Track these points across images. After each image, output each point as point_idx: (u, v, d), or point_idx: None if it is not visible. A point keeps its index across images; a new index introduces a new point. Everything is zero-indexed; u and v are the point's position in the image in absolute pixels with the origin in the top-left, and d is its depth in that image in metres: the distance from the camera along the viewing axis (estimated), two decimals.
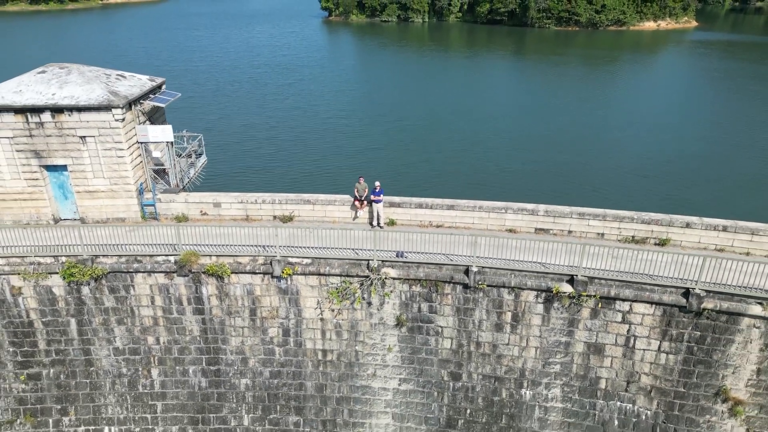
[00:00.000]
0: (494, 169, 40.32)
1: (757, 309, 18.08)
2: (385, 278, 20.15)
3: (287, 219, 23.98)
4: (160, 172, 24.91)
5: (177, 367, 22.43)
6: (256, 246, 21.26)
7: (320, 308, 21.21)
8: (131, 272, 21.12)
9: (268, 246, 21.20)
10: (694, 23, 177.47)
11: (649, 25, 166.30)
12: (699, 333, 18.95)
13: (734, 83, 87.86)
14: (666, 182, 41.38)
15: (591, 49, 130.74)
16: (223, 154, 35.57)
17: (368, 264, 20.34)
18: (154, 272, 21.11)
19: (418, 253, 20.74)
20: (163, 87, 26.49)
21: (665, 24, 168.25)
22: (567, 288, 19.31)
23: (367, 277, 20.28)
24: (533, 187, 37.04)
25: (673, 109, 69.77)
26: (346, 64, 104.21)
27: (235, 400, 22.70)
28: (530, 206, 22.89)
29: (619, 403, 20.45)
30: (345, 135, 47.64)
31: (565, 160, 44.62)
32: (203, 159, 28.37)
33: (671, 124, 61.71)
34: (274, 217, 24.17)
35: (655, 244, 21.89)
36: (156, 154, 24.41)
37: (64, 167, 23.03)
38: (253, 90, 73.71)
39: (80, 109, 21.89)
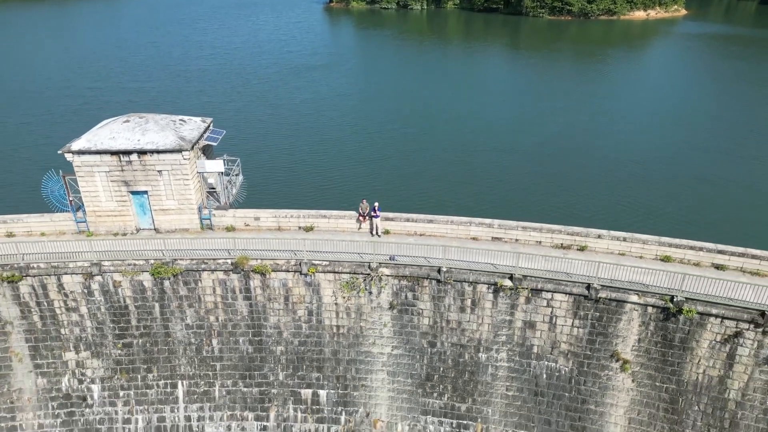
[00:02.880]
0: (479, 182, 47.97)
1: (634, 298, 26.47)
2: (381, 275, 28.51)
3: (309, 229, 32.26)
4: (213, 194, 33.08)
5: (231, 338, 30.92)
6: (288, 251, 29.56)
7: (335, 296, 29.59)
8: (199, 270, 29.47)
9: (296, 251, 29.49)
10: (684, 12, 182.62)
11: (639, 14, 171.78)
12: (598, 314, 27.36)
13: (719, 84, 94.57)
14: (635, 192, 48.62)
15: (581, 44, 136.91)
16: (251, 168, 42.77)
17: (369, 265, 28.65)
18: (216, 270, 29.45)
19: (406, 256, 29.06)
20: (211, 125, 34.47)
21: (654, 13, 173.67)
22: (508, 283, 27.66)
23: (368, 274, 28.61)
24: (508, 198, 45.05)
25: (654, 113, 76.93)
26: (350, 64, 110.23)
27: (272, 362, 31.25)
28: (488, 221, 31.15)
29: (546, 362, 28.99)
30: (351, 151, 54.66)
31: (543, 172, 52.18)
32: (241, 178, 36.51)
33: (651, 128, 69.03)
34: (299, 227, 32.46)
35: (578, 249, 30.18)
36: (210, 180, 32.54)
37: (145, 192, 31.21)
38: (265, 95, 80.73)
39: (159, 152, 29.96)
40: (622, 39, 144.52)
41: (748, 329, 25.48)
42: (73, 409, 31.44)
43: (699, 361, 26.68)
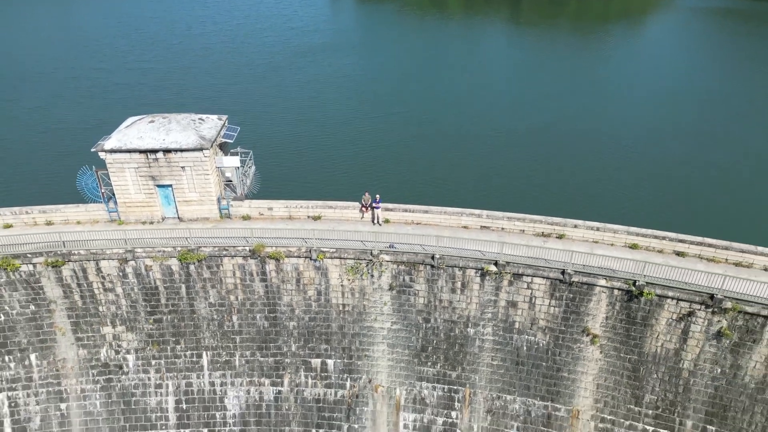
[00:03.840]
0: (473, 170, 50.95)
1: (603, 282, 30.34)
2: (382, 261, 32.34)
3: (317, 218, 35.97)
4: (230, 185, 36.64)
5: (249, 315, 35.00)
6: (299, 239, 33.33)
7: (341, 278, 33.49)
8: (221, 256, 33.31)
9: (307, 239, 33.24)
10: None
11: None
12: (572, 295, 31.28)
13: (718, 62, 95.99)
14: (622, 179, 51.52)
15: (580, 20, 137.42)
16: (261, 157, 45.63)
17: (371, 252, 32.45)
18: (235, 256, 33.29)
19: (403, 244, 32.83)
20: (226, 123, 37.76)
21: None
22: (493, 268, 31.48)
23: (370, 260, 32.44)
24: (499, 187, 48.38)
25: (650, 93, 78.78)
26: (352, 42, 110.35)
27: (286, 335, 35.40)
28: (477, 211, 34.81)
29: (526, 336, 33.08)
30: (354, 139, 56.97)
31: (535, 159, 54.91)
32: (253, 169, 40.02)
33: (646, 109, 71.22)
34: (308, 216, 36.17)
35: (556, 237, 33.92)
36: (228, 174, 36.08)
37: (169, 185, 34.79)
38: (270, 77, 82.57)
39: (182, 150, 33.41)
40: (622, 14, 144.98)
41: (699, 309, 29.41)
42: (110, 376, 35.79)
43: (657, 336, 30.73)
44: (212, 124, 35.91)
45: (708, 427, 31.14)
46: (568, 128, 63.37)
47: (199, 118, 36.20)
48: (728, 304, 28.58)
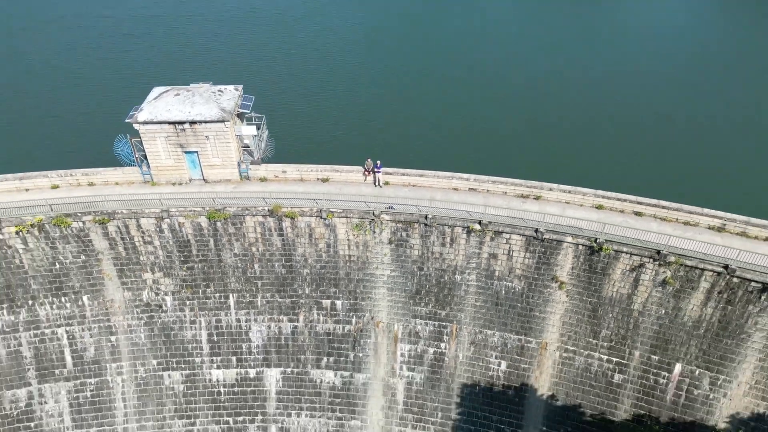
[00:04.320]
0: (465, 133, 54.30)
1: (570, 239, 35.83)
2: (382, 220, 37.69)
3: (325, 180, 40.96)
4: (248, 150, 41.30)
5: (268, 263, 40.79)
6: (311, 200, 38.48)
7: (347, 234, 38.96)
8: (244, 215, 38.60)
9: (318, 199, 38.41)
10: None
11: None
12: (543, 249, 36.86)
13: (714, 27, 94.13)
14: (603, 143, 54.57)
15: None
16: (274, 122, 48.68)
17: (373, 212, 37.71)
18: (256, 215, 38.58)
19: (401, 205, 38.02)
20: (242, 92, 41.79)
21: None
22: (477, 227, 36.87)
23: (372, 219, 37.77)
24: (487, 150, 52.37)
25: (649, 55, 77.53)
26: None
27: (300, 280, 41.35)
28: (465, 175, 39.73)
29: (504, 282, 39.01)
30: (357, 100, 58.98)
31: (523, 123, 57.28)
32: (267, 133, 44.46)
33: (642, 71, 71.56)
34: (318, 179, 41.13)
35: (534, 198, 39.06)
36: (246, 141, 40.65)
37: (195, 152, 39.49)
38: (276, 34, 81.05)
39: (206, 122, 37.86)
40: None
41: (648, 262, 35.09)
42: (152, 314, 42.15)
43: (613, 283, 36.63)
44: (230, 96, 40.06)
45: (652, 356, 37.73)
46: (555, 92, 64.91)
47: (219, 90, 40.29)
48: (672, 258, 34.24)
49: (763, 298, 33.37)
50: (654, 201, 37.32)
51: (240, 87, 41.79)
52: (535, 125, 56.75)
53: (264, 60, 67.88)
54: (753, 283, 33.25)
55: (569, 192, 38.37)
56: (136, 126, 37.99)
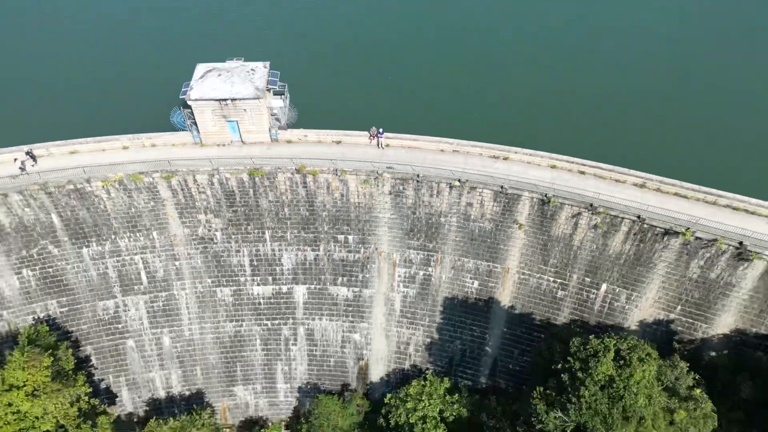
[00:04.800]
0: (454, 99, 61.72)
1: (527, 194, 47.11)
2: (385, 177, 48.76)
3: (338, 142, 51.43)
4: (276, 117, 51.34)
5: (295, 207, 52.35)
6: (329, 161, 49.24)
7: (357, 187, 50.12)
8: (275, 173, 49.56)
9: (334, 160, 49.18)
10: None
11: None
12: (507, 200, 48.21)
13: None
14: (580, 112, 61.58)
15: None
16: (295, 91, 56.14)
17: (377, 171, 48.65)
18: (285, 173, 49.52)
19: (398, 164, 48.82)
20: (269, 68, 50.93)
21: None
22: (457, 183, 47.97)
23: (377, 176, 48.81)
24: (471, 114, 61.07)
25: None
26: None
27: (320, 221, 53.11)
28: (450, 140, 50.13)
29: (477, 224, 50.73)
30: (363, 68, 64.82)
31: (508, 87, 64.00)
32: (288, 99, 54.06)
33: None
34: (332, 141, 51.57)
35: (503, 159, 49.74)
36: (275, 111, 50.59)
37: (235, 120, 49.64)
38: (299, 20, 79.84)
39: (244, 99, 47.69)
40: None
41: (585, 211, 46.56)
42: (206, 245, 54.42)
43: (559, 225, 48.36)
44: (261, 74, 49.45)
45: (585, 278, 50.40)
46: (528, 65, 69.27)
47: (252, 69, 49.61)
48: (601, 209, 45.71)
49: (665, 239, 45.29)
50: (593, 163, 48.10)
51: (267, 64, 50.95)
52: (509, 96, 63.95)
53: (285, 32, 71.61)
54: (658, 228, 45.03)
55: (529, 155, 49.01)
56: (189, 102, 47.88)
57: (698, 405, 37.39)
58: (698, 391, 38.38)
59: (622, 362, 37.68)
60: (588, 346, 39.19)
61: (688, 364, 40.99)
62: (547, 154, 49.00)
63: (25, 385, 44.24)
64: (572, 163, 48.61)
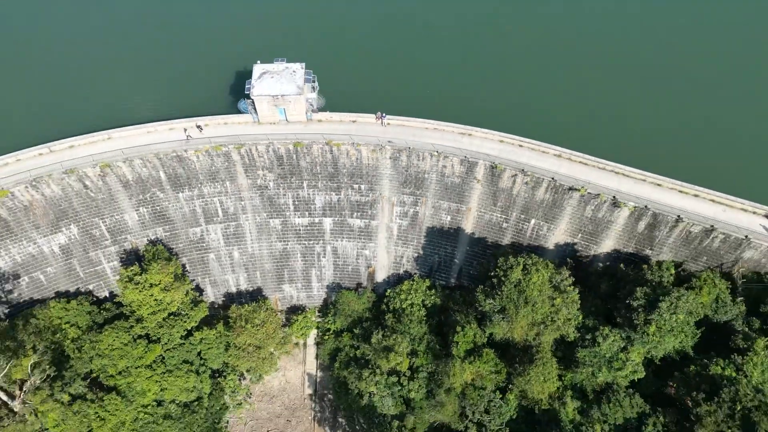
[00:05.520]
0: (446, 82, 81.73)
1: (481, 161, 70.37)
2: (386, 147, 71.73)
3: (354, 121, 73.78)
4: (311, 103, 73.21)
5: (324, 167, 75.59)
6: (348, 135, 71.93)
7: (367, 154, 73.15)
8: (312, 144, 72.40)
9: (351, 135, 71.88)
10: None
11: None
12: (469, 164, 71.50)
13: None
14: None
15: None
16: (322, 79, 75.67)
17: (381, 143, 71.52)
18: (318, 144, 72.40)
19: (396, 139, 71.59)
20: (305, 68, 71.94)
21: None
22: (436, 153, 70.97)
23: (381, 147, 71.75)
24: (455, 97, 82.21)
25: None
26: None
27: (341, 176, 76.54)
28: (431, 121, 72.43)
29: (450, 179, 74.35)
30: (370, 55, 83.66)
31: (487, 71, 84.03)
32: (317, 88, 75.35)
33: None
34: (350, 120, 73.86)
35: (468, 135, 72.29)
36: (310, 99, 72.37)
37: (283, 108, 71.71)
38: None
39: (289, 95, 69.52)
40: None
41: (519, 174, 70.04)
42: (262, 191, 78.44)
43: (504, 182, 72.02)
44: (300, 74, 70.68)
45: (521, 215, 74.94)
46: (512, 44, 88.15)
47: (293, 70, 70.76)
48: (529, 172, 69.21)
49: (570, 192, 69.17)
50: (527, 140, 70.78)
51: (303, 65, 71.85)
52: (477, 85, 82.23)
53: (315, 31, 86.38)
54: (565, 185, 68.81)
55: (484, 133, 71.57)
56: (253, 96, 69.62)
57: (569, 295, 63.54)
58: (571, 287, 64.39)
59: (526, 271, 63.31)
60: (508, 262, 64.70)
61: (571, 271, 66.68)
62: (498, 133, 71.52)
63: (159, 284, 70.43)
64: (513, 139, 71.29)
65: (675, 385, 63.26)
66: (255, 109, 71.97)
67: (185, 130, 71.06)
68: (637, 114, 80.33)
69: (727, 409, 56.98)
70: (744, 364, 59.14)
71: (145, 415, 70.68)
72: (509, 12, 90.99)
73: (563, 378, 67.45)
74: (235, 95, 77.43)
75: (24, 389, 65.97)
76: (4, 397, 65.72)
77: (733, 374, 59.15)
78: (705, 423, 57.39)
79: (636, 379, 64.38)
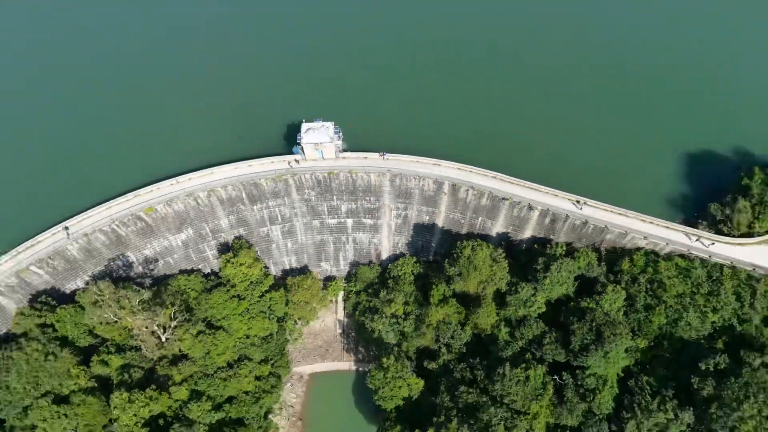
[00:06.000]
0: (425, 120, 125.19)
1: (447, 183, 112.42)
2: (386, 174, 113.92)
3: (365, 158, 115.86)
4: (338, 147, 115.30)
5: (347, 186, 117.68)
6: (362, 166, 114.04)
7: (374, 178, 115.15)
8: (339, 172, 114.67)
9: (363, 166, 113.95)
10: None
11: None
12: (439, 185, 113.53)
13: None
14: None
15: None
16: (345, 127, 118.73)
17: (383, 172, 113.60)
18: (344, 172, 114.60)
19: (393, 168, 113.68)
20: (334, 124, 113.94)
21: None
22: (418, 177, 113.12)
23: (383, 174, 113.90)
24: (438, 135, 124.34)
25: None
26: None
27: (358, 192, 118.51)
28: (416, 156, 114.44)
29: (427, 192, 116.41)
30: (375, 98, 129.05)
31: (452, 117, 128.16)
32: (342, 138, 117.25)
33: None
34: (364, 157, 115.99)
35: (438, 165, 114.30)
36: (338, 145, 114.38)
37: (321, 150, 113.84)
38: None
39: (325, 143, 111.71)
40: None
41: (471, 189, 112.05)
42: (307, 203, 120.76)
43: (461, 193, 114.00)
44: (331, 129, 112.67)
45: (473, 215, 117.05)
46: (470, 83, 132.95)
47: (326, 126, 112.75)
48: (476, 188, 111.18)
49: (501, 200, 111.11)
50: (476, 168, 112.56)
51: (333, 123, 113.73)
52: (444, 130, 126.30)
53: (341, 98, 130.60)
54: (499, 196, 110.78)
55: (448, 164, 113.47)
56: (302, 144, 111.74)
57: (501, 264, 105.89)
58: (504, 259, 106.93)
59: (473, 250, 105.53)
60: (462, 245, 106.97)
61: (505, 250, 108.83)
62: (456, 163, 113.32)
63: (245, 263, 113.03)
64: (466, 167, 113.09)
65: (562, 314, 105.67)
66: (303, 151, 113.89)
67: (289, 163, 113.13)
68: (544, 150, 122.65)
69: (588, 326, 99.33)
70: (600, 300, 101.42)
71: (240, 343, 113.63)
72: (459, 90, 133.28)
73: (499, 314, 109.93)
74: (289, 141, 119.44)
75: (168, 327, 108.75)
76: (159, 332, 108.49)
77: (594, 306, 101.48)
78: (576, 335, 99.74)
79: (540, 312, 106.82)
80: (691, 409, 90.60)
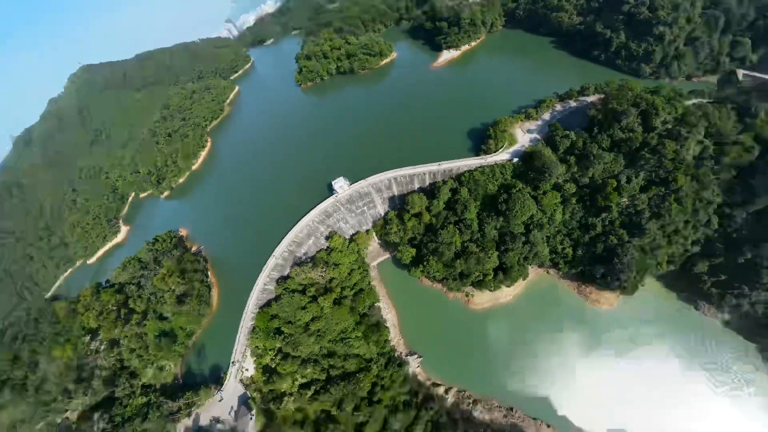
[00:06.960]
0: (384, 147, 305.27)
1: (395, 185, 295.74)
2: (371, 187, 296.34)
3: (356, 182, 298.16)
4: (348, 186, 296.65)
5: (361, 199, 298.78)
6: (370, 185, 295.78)
7: (374, 191, 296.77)
8: (357, 192, 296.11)
9: (359, 188, 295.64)
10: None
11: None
12: (424, 184, 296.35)
13: None
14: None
15: None
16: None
17: (368, 185, 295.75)
18: (352, 191, 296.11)
19: (370, 185, 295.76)
20: (349, 181, 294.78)
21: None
22: (389, 182, 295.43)
23: (367, 187, 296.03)
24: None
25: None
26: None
27: (363, 199, 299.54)
28: (381, 173, 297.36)
29: (384, 195, 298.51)
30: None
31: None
32: (347, 180, 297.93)
33: None
34: (369, 185, 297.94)
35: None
36: (347, 185, 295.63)
37: (341, 187, 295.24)
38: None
39: (345, 189, 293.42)
40: None
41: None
42: (353, 210, 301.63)
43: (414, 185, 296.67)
44: (346, 182, 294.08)
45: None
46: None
47: (344, 179, 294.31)
48: (397, 177, 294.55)
49: (409, 176, 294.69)
50: (390, 171, 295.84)
51: (343, 178, 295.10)
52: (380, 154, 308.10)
53: (347, 157, 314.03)
54: (404, 174, 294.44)
55: (388, 172, 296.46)
56: (338, 192, 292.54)
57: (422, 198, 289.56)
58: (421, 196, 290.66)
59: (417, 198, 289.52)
60: (411, 198, 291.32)
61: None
62: (391, 171, 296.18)
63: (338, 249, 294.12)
64: (396, 170, 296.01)
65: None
66: (334, 191, 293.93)
67: (334, 196, 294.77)
68: (422, 148, 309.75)
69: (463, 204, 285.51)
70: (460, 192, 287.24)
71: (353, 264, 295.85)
72: (382, 134, 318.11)
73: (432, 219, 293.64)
74: (326, 188, 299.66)
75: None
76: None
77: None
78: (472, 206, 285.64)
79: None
80: None
